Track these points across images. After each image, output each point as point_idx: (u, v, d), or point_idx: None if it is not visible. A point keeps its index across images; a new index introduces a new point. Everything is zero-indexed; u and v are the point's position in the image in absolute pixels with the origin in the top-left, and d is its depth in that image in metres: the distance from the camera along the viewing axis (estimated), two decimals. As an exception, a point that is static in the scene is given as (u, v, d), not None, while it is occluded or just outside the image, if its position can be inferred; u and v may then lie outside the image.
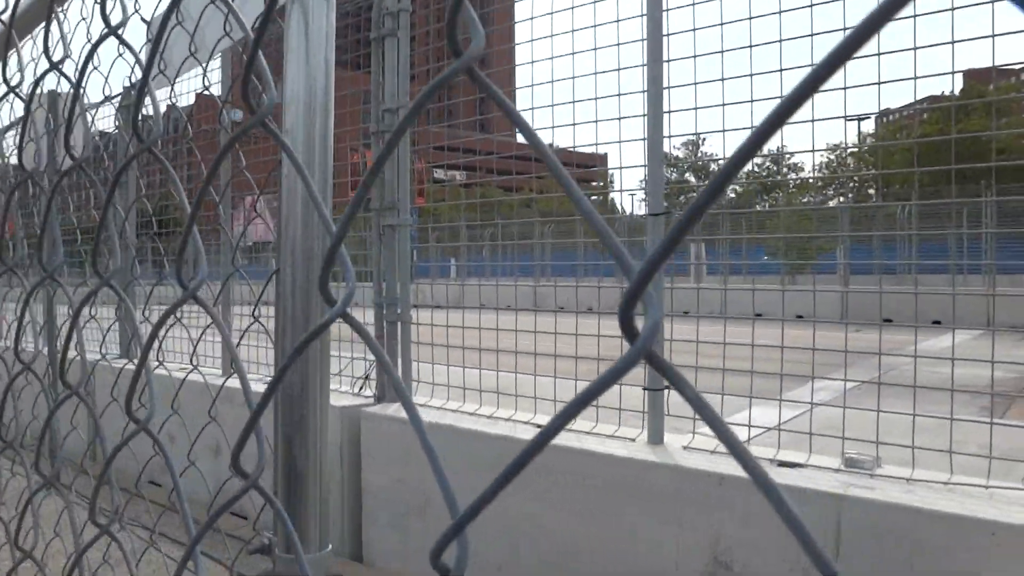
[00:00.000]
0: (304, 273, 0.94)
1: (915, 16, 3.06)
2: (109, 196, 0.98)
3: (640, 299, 0.39)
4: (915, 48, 3.05)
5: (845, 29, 3.08)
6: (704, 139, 48.65)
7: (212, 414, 2.48)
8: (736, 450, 0.42)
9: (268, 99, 0.67)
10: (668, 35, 3.50)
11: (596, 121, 3.87)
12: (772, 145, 4.50)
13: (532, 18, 4.28)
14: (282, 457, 0.94)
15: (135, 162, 6.38)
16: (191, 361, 2.76)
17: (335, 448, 4.60)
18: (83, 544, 1.21)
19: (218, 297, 2.65)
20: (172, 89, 3.54)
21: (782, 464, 3.23)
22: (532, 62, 4.19)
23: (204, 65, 2.55)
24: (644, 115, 3.52)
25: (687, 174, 51.86)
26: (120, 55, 2.28)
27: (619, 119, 3.72)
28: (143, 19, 2.22)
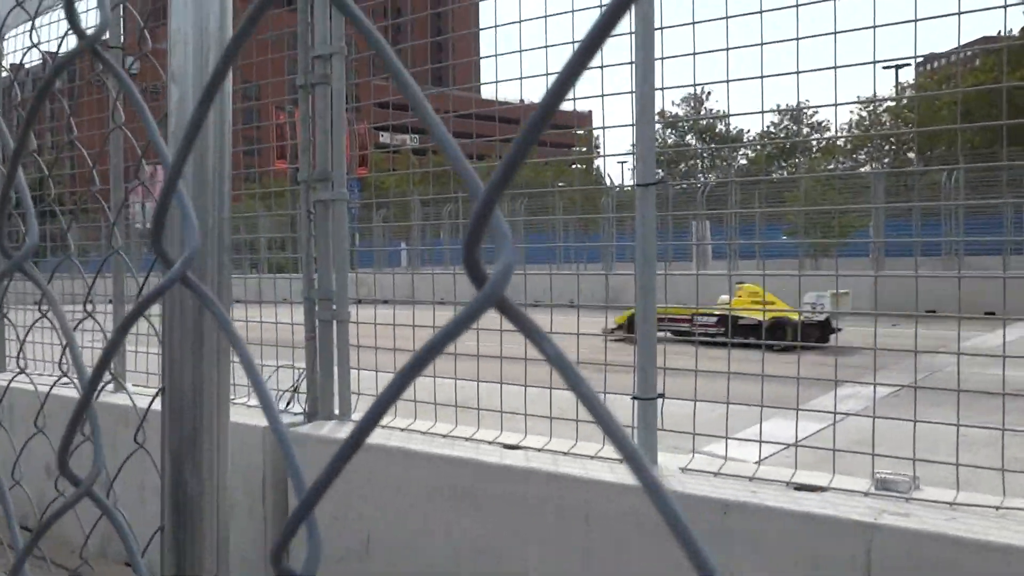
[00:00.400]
0: (197, 253, 0.92)
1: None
2: (24, 135, 0.93)
3: (483, 235, 0.42)
4: (957, -20, 3.07)
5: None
6: (708, 93, 49.01)
7: (39, 424, 2.45)
8: (597, 412, 0.45)
9: (102, 18, 0.64)
10: (658, -36, 3.50)
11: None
12: (791, 98, 4.53)
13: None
14: (170, 480, 0.92)
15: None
16: (17, 364, 2.74)
17: (255, 478, 4.55)
18: None
19: (90, 290, 2.58)
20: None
21: (800, 488, 3.25)
22: (492, -2, 4.17)
23: None
24: (631, 63, 3.51)
25: (689, 136, 52.19)
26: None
27: (601, 67, 3.71)
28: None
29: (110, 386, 5.44)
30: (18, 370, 2.72)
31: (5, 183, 0.73)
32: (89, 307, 2.23)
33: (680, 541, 0.40)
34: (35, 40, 2.75)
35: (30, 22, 3.00)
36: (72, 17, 0.65)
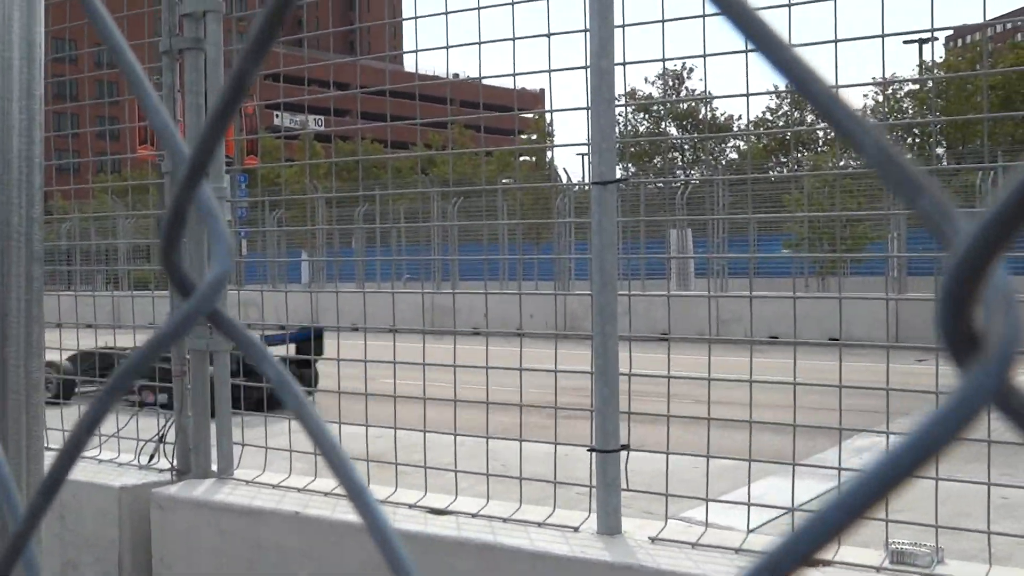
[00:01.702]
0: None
1: None
2: None
3: (181, 235, 0.43)
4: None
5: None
6: (690, 69, 49.59)
7: None
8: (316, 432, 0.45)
9: None
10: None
11: (514, 39, 3.90)
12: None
13: None
14: None
15: None
16: None
17: (109, 555, 4.50)
18: None
19: None
20: None
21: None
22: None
23: None
24: (585, 31, 3.56)
25: (665, 122, 52.70)
26: None
27: (548, 35, 3.76)
28: None
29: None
30: None
31: None
32: None
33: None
34: None
35: None
36: None
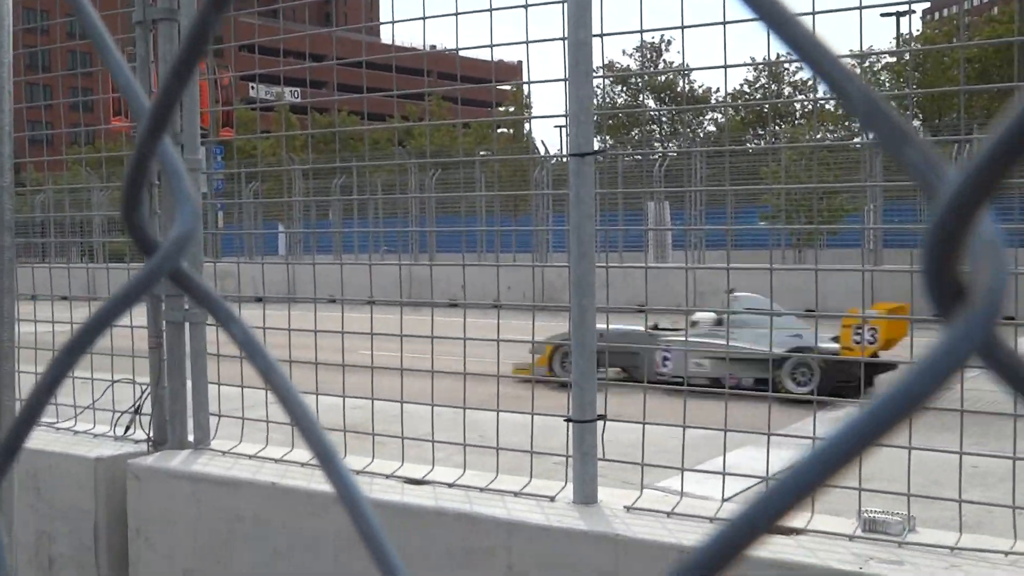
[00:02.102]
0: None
1: None
2: None
3: (141, 192, 0.42)
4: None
5: None
6: (668, 42, 49.57)
7: None
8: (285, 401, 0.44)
9: None
10: None
11: (491, 10, 3.88)
12: (769, 51, 4.62)
13: None
14: None
15: None
16: None
17: (84, 525, 4.49)
18: None
19: None
20: None
21: (774, 530, 3.32)
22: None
23: None
24: (563, 1, 3.54)
25: (643, 95, 52.73)
26: None
27: (525, 6, 3.74)
28: None
29: None
30: None
31: None
32: None
33: (377, 563, 0.42)
34: None
35: None
36: None
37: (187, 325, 4.64)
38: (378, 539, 0.41)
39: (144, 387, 4.81)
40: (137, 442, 4.72)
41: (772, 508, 0.32)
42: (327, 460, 0.44)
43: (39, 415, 0.48)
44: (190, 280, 0.45)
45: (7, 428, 0.50)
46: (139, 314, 4.77)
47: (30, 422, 0.49)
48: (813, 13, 3.43)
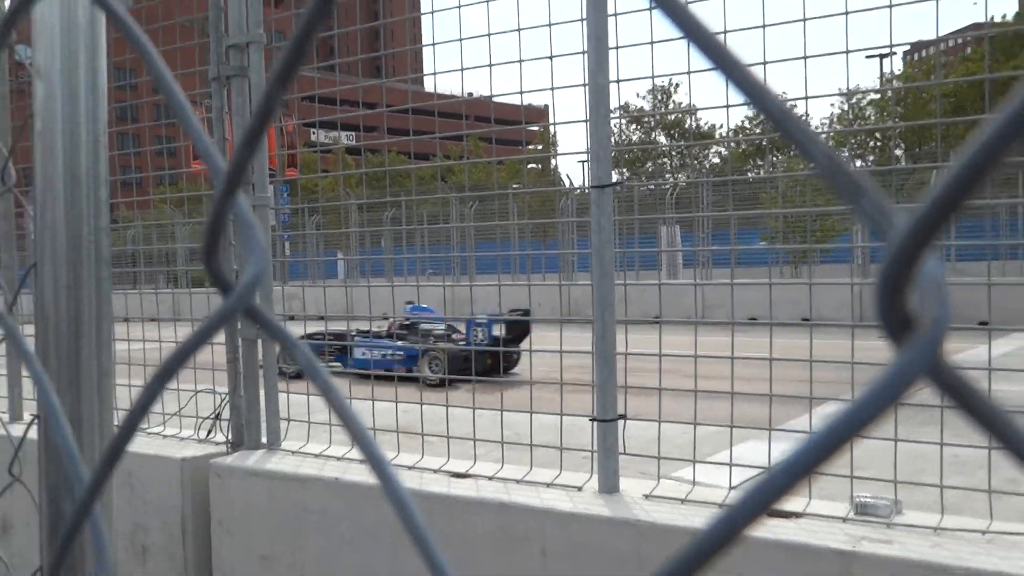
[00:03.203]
0: (69, 267, 0.92)
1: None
2: None
3: (220, 240, 0.43)
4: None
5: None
6: (676, 85, 49.44)
7: (15, 472, 2.36)
8: (361, 442, 0.46)
9: None
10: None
11: (520, 61, 3.89)
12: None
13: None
14: (48, 515, 0.93)
15: None
16: None
17: (173, 517, 4.52)
18: None
19: (12, 302, 2.52)
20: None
21: (774, 514, 3.31)
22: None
23: None
24: (583, 52, 3.56)
25: (655, 132, 52.61)
26: None
27: (551, 57, 3.76)
28: None
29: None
30: None
31: None
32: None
33: (422, 555, 0.43)
34: None
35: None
36: None
37: (259, 342, 4.67)
38: (422, 534, 0.42)
39: (223, 396, 4.85)
40: (217, 444, 4.76)
41: (763, 496, 0.33)
42: (375, 462, 0.45)
43: (135, 429, 0.50)
44: (261, 315, 0.46)
45: (110, 439, 0.51)
46: (221, 332, 4.80)
47: (129, 435, 0.50)
48: (805, 57, 3.42)
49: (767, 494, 0.33)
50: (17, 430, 4.94)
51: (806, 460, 0.31)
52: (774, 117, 0.33)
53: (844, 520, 3.21)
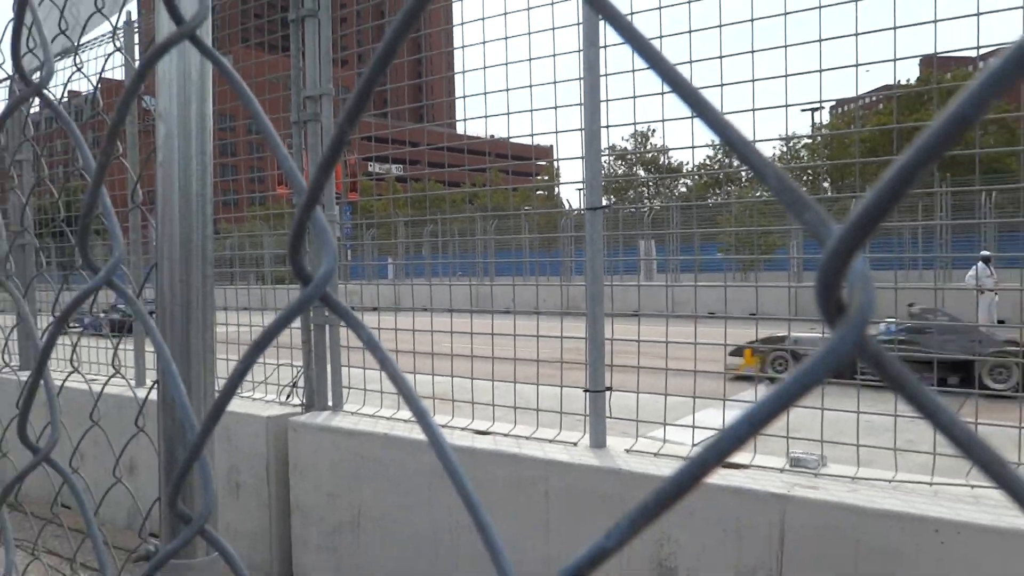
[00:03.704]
0: (183, 267, 0.93)
1: (856, 2, 3.16)
2: None
3: (303, 242, 0.44)
4: (856, 34, 3.15)
5: (786, 14, 3.17)
6: (652, 130, 49.28)
7: (140, 424, 2.38)
8: (414, 408, 0.46)
9: (46, 69, 0.67)
10: (604, 19, 3.54)
11: (531, 110, 3.89)
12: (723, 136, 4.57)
13: None
14: (165, 459, 0.93)
15: (32, 158, 6.17)
16: (71, 364, 2.68)
17: (260, 462, 4.54)
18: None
19: (139, 293, 2.53)
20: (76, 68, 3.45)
21: (727, 465, 3.30)
22: (463, 46, 4.20)
23: (76, 44, 2.50)
24: (580, 104, 3.55)
25: (636, 167, 52.44)
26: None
27: (555, 108, 3.75)
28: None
29: (117, 378, 5.39)
30: (71, 369, 2.68)
31: (89, 200, 0.74)
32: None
33: (459, 494, 0.43)
34: (117, 45, 2.71)
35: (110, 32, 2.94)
36: (171, 3, 0.61)
37: (327, 327, 4.68)
38: (459, 475, 0.42)
39: (299, 369, 4.86)
40: (294, 406, 4.77)
41: (718, 451, 0.32)
42: (422, 419, 0.45)
43: (234, 392, 0.50)
44: (333, 300, 0.47)
45: (214, 401, 0.52)
46: (298, 319, 4.81)
47: (229, 396, 0.50)
48: (753, 110, 3.41)
49: (726, 446, 0.33)
50: (141, 393, 4.97)
51: (760, 417, 0.31)
52: (736, 146, 0.33)
53: (781, 471, 3.20)
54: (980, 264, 14.40)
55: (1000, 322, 14.08)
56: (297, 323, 4.79)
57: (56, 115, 0.82)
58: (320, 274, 0.44)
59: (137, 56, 5.59)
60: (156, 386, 1.01)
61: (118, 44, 2.68)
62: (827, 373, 0.29)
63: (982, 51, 3.14)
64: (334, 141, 0.40)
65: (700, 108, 0.34)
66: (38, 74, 0.76)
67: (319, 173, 0.42)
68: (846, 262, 0.28)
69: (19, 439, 0.87)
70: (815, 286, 0.29)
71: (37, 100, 0.86)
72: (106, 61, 3.10)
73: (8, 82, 6.04)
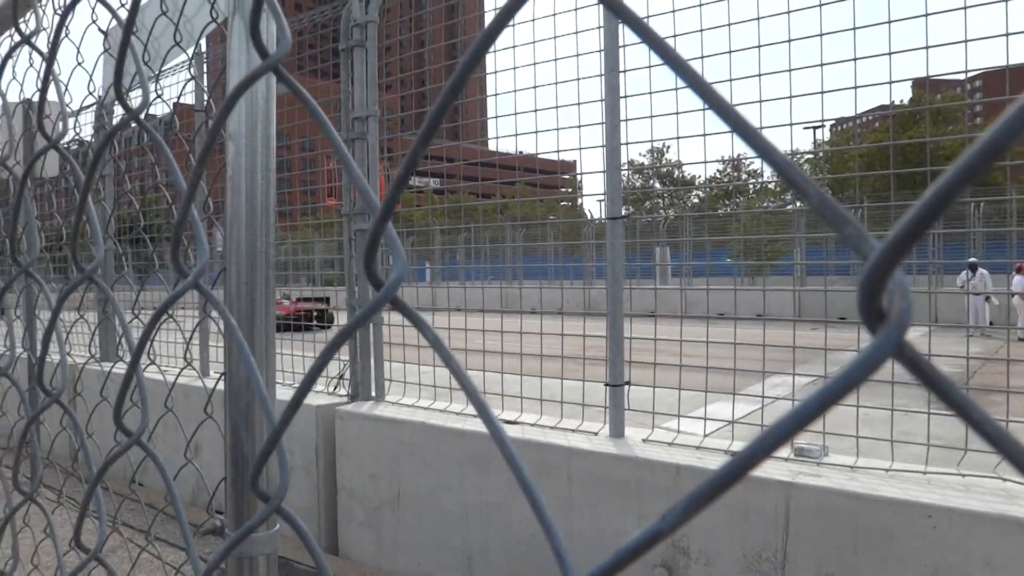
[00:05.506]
0: (248, 270, 0.95)
1: (854, 30, 3.12)
2: (90, 175, 0.98)
3: (377, 251, 0.44)
4: (854, 59, 3.11)
5: (790, 41, 3.14)
6: (668, 146, 49.05)
7: (208, 411, 2.41)
8: (476, 402, 0.45)
9: (143, 99, 0.67)
10: (624, 46, 3.54)
11: (557, 129, 3.89)
12: (733, 151, 4.53)
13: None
14: (230, 442, 0.95)
15: (110, 170, 6.27)
16: (185, 358, 2.71)
17: (310, 446, 4.57)
18: (70, 570, 1.19)
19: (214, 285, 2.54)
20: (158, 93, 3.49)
21: (735, 454, 3.27)
22: (495, 72, 4.20)
23: (156, 73, 2.54)
24: (602, 123, 3.54)
25: (652, 180, 52.20)
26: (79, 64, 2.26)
27: (579, 127, 3.74)
28: (101, 30, 2.20)
29: (191, 371, 5.45)
30: (148, 362, 2.72)
31: (181, 213, 0.75)
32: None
33: (517, 479, 0.43)
34: (192, 74, 2.78)
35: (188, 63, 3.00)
36: (256, 35, 0.62)
37: (371, 325, 4.71)
38: (517, 462, 0.42)
39: (345, 362, 4.89)
40: (341, 396, 4.80)
41: (766, 445, 0.32)
42: (482, 411, 0.45)
43: (313, 384, 0.50)
44: (400, 303, 0.47)
45: (294, 394, 0.52)
46: (344, 317, 4.85)
47: (307, 390, 0.51)
48: (761, 128, 3.37)
49: (773, 441, 0.32)
50: (208, 383, 5.02)
51: (805, 414, 0.30)
52: (781, 168, 0.32)
53: (786, 460, 3.17)
54: (970, 271, 14.16)
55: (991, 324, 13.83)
56: (345, 321, 4.82)
57: (151, 138, 0.83)
58: (391, 279, 0.44)
59: (205, 83, 5.66)
60: (223, 377, 1.03)
61: (192, 73, 2.74)
62: (869, 374, 0.28)
63: (970, 74, 3.09)
64: (408, 162, 0.41)
65: (746, 134, 0.33)
66: (133, 103, 0.78)
67: (393, 190, 0.42)
68: (887, 274, 0.27)
69: (114, 423, 0.89)
70: (857, 294, 0.28)
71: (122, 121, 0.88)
72: (184, 87, 3.15)
73: (95, 107, 6.15)
